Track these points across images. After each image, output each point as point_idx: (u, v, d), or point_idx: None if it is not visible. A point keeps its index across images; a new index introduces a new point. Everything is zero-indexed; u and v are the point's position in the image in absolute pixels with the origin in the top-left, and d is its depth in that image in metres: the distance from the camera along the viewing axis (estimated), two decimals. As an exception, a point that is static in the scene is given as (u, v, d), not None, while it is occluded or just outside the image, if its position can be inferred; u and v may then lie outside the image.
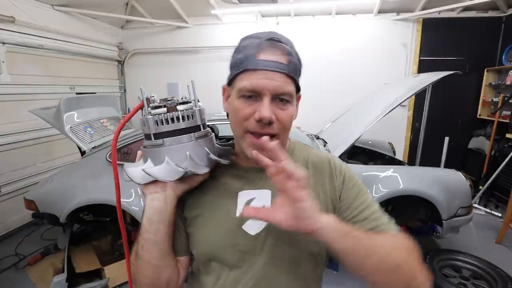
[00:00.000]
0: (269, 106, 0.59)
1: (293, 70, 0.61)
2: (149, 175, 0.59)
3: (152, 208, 0.62)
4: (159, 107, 0.59)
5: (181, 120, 0.59)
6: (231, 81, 0.64)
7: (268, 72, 0.58)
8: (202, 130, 0.62)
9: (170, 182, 0.62)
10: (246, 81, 0.59)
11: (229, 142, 0.75)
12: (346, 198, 0.68)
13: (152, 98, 0.61)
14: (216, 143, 0.67)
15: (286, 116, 0.61)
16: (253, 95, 0.60)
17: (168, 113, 0.59)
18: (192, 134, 0.60)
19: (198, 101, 0.64)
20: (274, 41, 0.60)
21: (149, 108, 0.60)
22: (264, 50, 0.59)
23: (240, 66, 0.60)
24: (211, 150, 0.63)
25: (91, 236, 2.70)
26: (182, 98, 0.62)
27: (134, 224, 2.40)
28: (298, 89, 0.65)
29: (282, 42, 0.61)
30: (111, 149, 0.66)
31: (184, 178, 0.61)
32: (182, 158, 0.59)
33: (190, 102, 0.62)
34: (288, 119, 0.62)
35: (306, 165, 0.72)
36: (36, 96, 3.26)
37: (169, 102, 0.60)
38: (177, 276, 0.68)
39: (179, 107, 0.59)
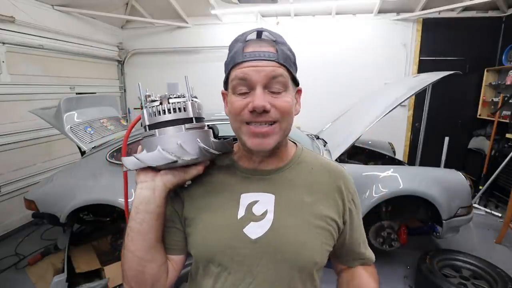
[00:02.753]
0: (262, 95, 0.58)
1: (283, 58, 0.60)
2: (138, 160, 0.61)
3: (139, 197, 0.62)
4: (155, 101, 0.63)
5: (172, 112, 0.61)
6: (226, 84, 0.65)
7: (256, 61, 0.58)
8: (195, 122, 0.64)
9: (160, 172, 0.62)
10: (236, 72, 0.60)
11: (226, 140, 0.74)
12: (349, 222, 0.71)
13: (157, 95, 0.65)
14: (212, 139, 0.67)
15: (283, 102, 0.60)
16: (247, 90, 0.60)
17: (160, 105, 0.62)
18: (183, 125, 0.62)
19: (195, 97, 0.66)
20: (260, 33, 0.60)
21: (146, 102, 0.64)
22: (250, 43, 0.60)
23: (230, 63, 0.61)
24: (205, 142, 0.63)
25: (91, 236, 2.70)
26: (178, 94, 0.65)
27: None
28: (296, 82, 0.65)
29: (268, 33, 0.61)
30: (121, 152, 0.71)
31: (175, 169, 0.63)
32: (173, 146, 0.61)
33: (184, 97, 0.64)
34: (286, 106, 0.60)
35: (312, 174, 0.71)
36: (36, 96, 3.26)
37: (164, 96, 0.64)
38: (165, 275, 0.66)
39: (171, 100, 0.62)
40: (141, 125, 0.67)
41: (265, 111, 0.58)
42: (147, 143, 0.63)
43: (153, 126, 0.63)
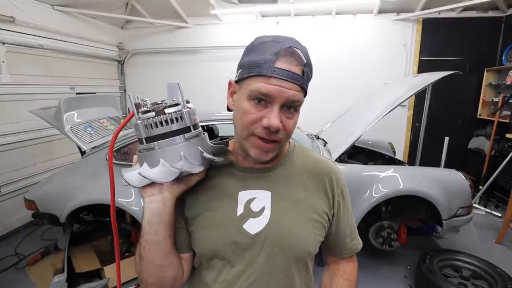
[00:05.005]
0: (278, 115, 0.59)
1: (306, 82, 0.61)
2: (145, 177, 0.60)
3: (150, 210, 0.63)
4: (149, 111, 0.60)
5: (169, 123, 0.60)
6: (240, 79, 0.64)
7: (283, 81, 0.58)
8: (192, 131, 0.62)
9: (166, 184, 0.62)
10: (260, 85, 0.58)
11: (223, 140, 0.76)
12: (336, 214, 0.75)
13: (145, 102, 0.62)
14: (210, 142, 0.68)
15: (291, 125, 0.63)
16: (263, 100, 0.60)
17: (156, 117, 0.59)
18: (182, 135, 0.61)
19: (188, 102, 0.64)
20: (293, 49, 0.59)
21: (140, 114, 0.61)
22: (282, 58, 0.58)
23: (255, 69, 0.59)
24: (205, 149, 0.64)
25: (91, 236, 2.70)
26: (172, 101, 0.62)
27: (133, 223, 2.40)
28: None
29: (300, 52, 0.60)
30: (108, 157, 0.66)
31: (180, 178, 0.63)
32: (176, 159, 0.60)
33: (179, 104, 0.62)
34: (292, 128, 0.64)
35: (304, 169, 0.74)
36: (36, 96, 3.26)
37: (157, 105, 0.61)
38: (182, 273, 0.70)
39: (167, 110, 0.60)
40: (136, 136, 0.64)
41: (276, 131, 0.61)
42: (146, 156, 0.61)
43: (150, 139, 0.61)
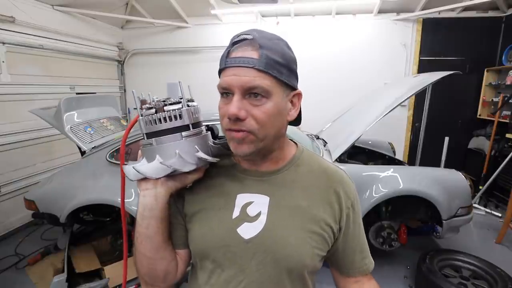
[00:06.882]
0: (236, 103, 0.58)
1: (266, 64, 0.57)
2: (138, 172, 0.62)
3: (143, 204, 0.65)
4: (151, 108, 0.62)
5: (168, 121, 0.61)
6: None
7: (236, 68, 0.58)
8: (191, 129, 0.63)
9: (160, 180, 0.64)
10: (221, 80, 0.61)
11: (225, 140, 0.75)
12: (345, 228, 0.69)
13: (152, 99, 0.64)
14: (212, 142, 0.68)
15: (260, 113, 0.58)
16: (228, 93, 0.60)
17: (156, 114, 0.61)
18: (179, 133, 0.62)
19: (192, 100, 0.66)
20: (245, 37, 0.59)
21: (143, 110, 0.63)
22: (236, 48, 0.60)
23: (219, 67, 0.63)
24: (203, 148, 0.64)
25: (91, 236, 2.70)
26: (178, 99, 0.64)
27: (133, 223, 2.40)
28: (291, 86, 0.62)
29: (256, 37, 0.58)
30: (120, 156, 0.71)
31: (174, 176, 0.64)
32: (171, 156, 0.61)
33: (180, 102, 0.63)
34: (263, 116, 0.58)
35: (311, 177, 0.70)
36: (36, 96, 3.26)
37: (159, 103, 0.62)
38: (175, 268, 0.71)
39: (166, 108, 0.61)
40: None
41: (239, 119, 0.58)
42: (146, 151, 0.64)
43: (150, 135, 0.63)
